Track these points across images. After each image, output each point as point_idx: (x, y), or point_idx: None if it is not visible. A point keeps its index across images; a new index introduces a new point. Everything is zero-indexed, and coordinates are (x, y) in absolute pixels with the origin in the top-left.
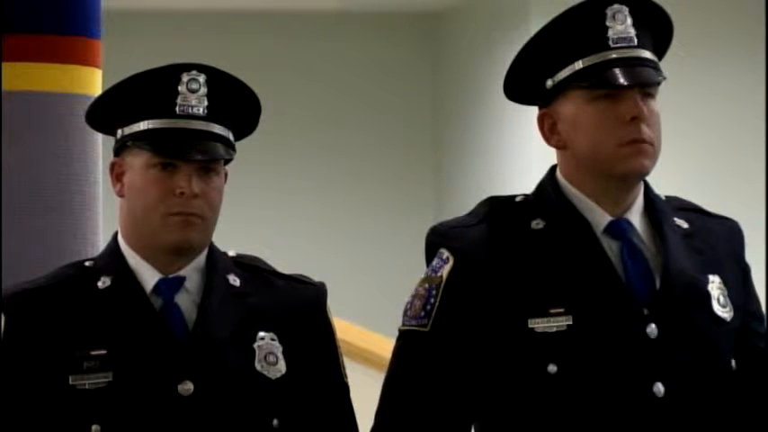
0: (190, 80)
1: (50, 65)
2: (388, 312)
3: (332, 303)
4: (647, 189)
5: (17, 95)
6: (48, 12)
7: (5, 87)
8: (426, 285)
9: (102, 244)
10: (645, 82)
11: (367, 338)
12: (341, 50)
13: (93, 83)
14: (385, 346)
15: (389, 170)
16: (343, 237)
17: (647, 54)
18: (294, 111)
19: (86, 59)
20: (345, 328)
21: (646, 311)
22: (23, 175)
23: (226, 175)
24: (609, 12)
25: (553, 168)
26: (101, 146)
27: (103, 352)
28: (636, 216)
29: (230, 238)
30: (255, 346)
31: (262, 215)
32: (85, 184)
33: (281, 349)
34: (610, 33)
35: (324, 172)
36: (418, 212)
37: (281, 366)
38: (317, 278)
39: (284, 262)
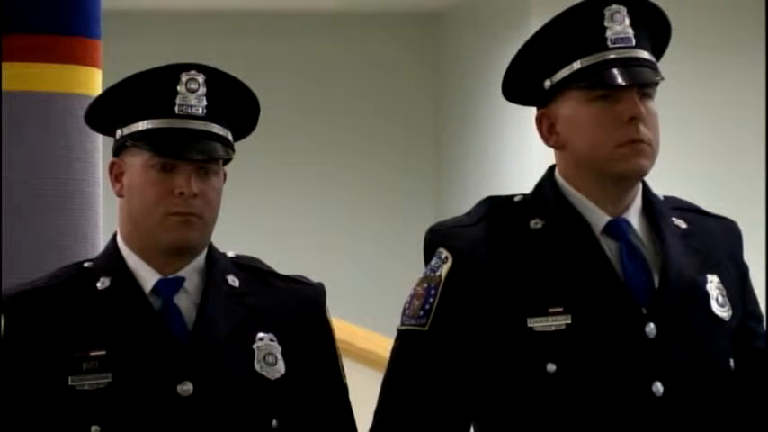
0: (189, 80)
1: (50, 65)
2: (388, 312)
3: (332, 303)
4: (646, 189)
5: (17, 95)
6: (48, 12)
7: (5, 87)
8: (425, 285)
9: (102, 244)
10: (643, 82)
11: (367, 338)
12: (341, 50)
13: (93, 83)
14: (385, 346)
15: (389, 170)
16: (344, 237)
17: (645, 54)
18: (294, 111)
19: (86, 59)
20: (345, 328)
21: (644, 311)
22: (23, 175)
23: (225, 175)
24: (607, 12)
25: (552, 168)
26: (101, 146)
27: (103, 353)
28: (634, 216)
29: (230, 238)
30: (255, 346)
31: (262, 215)
32: (85, 184)
33: (280, 350)
34: (608, 34)
35: (324, 172)
36: (418, 212)
37: (281, 367)
38: (316, 278)
39: (284, 262)
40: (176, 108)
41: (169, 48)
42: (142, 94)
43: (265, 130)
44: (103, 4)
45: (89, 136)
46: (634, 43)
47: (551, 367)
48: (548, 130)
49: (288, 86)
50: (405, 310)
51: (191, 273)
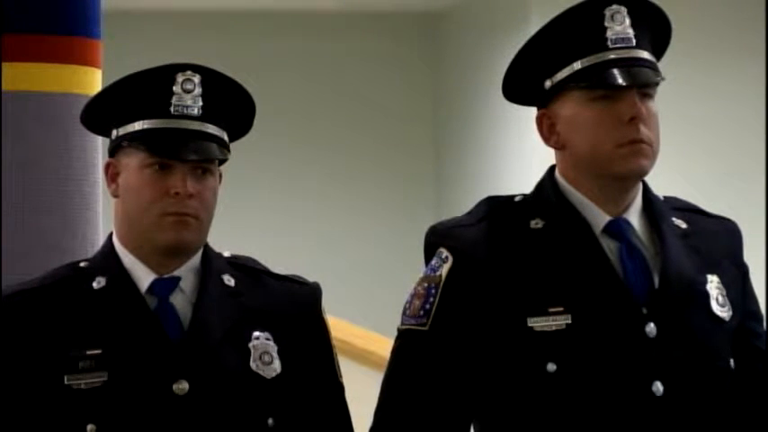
0: (185, 80)
1: (50, 65)
2: (388, 312)
3: (332, 303)
4: (646, 189)
5: (17, 95)
6: (48, 12)
7: (5, 87)
8: (425, 284)
9: (101, 244)
10: (643, 82)
11: (367, 338)
12: (341, 50)
13: (93, 83)
14: (385, 346)
15: (389, 170)
16: (344, 237)
17: (646, 54)
18: (294, 111)
19: (86, 59)
20: (345, 328)
21: (644, 311)
22: (23, 174)
23: (220, 175)
24: (607, 12)
25: (552, 168)
26: (100, 146)
27: (98, 352)
28: (634, 216)
29: (230, 238)
30: (250, 345)
31: (261, 215)
32: (85, 184)
33: (276, 349)
34: (608, 34)
35: (324, 172)
36: (418, 212)
37: (276, 366)
38: (316, 278)
39: (284, 262)
40: (172, 108)
41: (169, 48)
42: (138, 94)
43: (265, 131)
44: (103, 4)
45: (89, 136)
46: (634, 43)
47: (551, 367)
48: (548, 130)
49: (288, 86)
50: (405, 309)
51: (186, 272)
